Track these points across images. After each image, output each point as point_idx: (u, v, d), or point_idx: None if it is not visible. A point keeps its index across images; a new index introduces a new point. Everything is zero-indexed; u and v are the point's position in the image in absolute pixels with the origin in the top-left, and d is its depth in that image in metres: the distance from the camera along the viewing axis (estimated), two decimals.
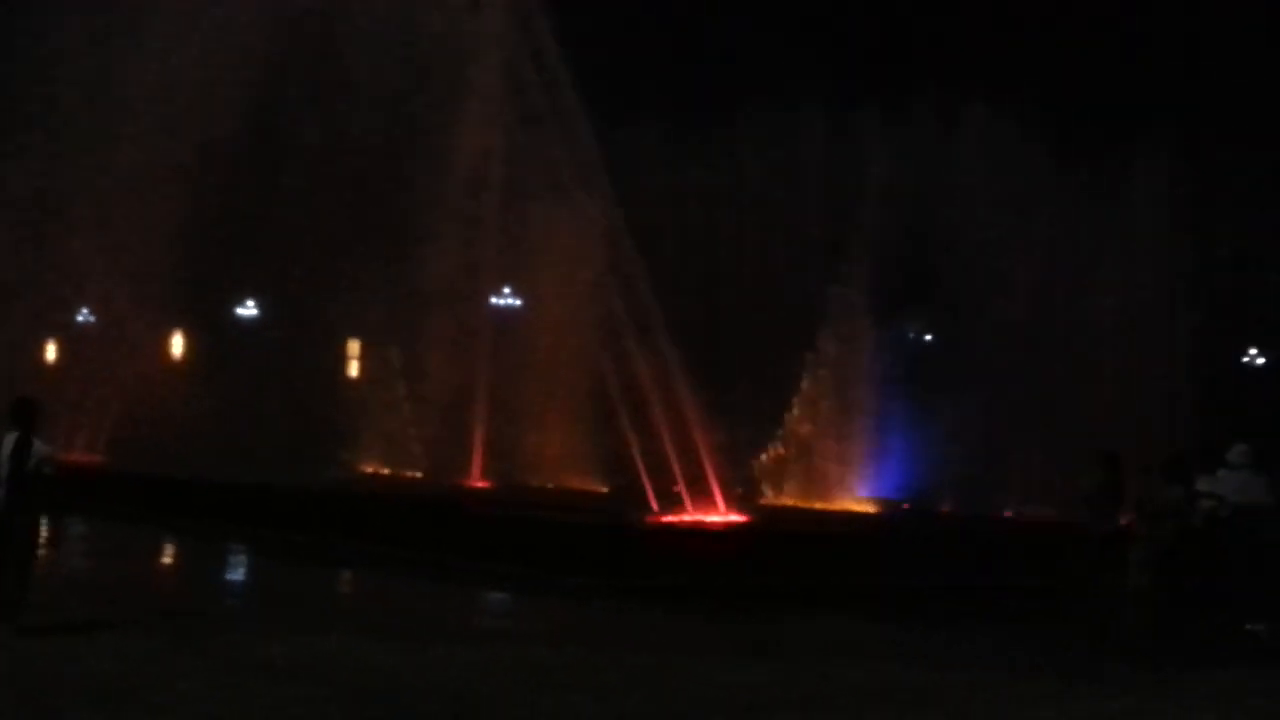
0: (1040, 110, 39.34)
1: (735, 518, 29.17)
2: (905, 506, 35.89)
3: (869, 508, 35.03)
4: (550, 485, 34.75)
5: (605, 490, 33.37)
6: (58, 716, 11.81)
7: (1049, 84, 43.11)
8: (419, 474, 36.30)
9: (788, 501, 35.90)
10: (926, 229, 39.73)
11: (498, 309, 37.28)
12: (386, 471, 37.13)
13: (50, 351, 43.22)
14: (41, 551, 16.35)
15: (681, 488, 29.28)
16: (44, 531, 16.65)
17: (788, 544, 26.00)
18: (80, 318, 41.53)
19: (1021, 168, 39.04)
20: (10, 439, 15.36)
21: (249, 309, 56.58)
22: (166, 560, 26.66)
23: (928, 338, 43.82)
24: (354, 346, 45.83)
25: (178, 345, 45.49)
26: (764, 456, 38.41)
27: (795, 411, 38.69)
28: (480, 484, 33.79)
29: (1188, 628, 18.41)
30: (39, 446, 15.54)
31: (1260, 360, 53.60)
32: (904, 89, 41.16)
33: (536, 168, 32.25)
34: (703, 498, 29.38)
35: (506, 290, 37.61)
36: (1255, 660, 17.53)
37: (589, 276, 32.07)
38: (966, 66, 45.37)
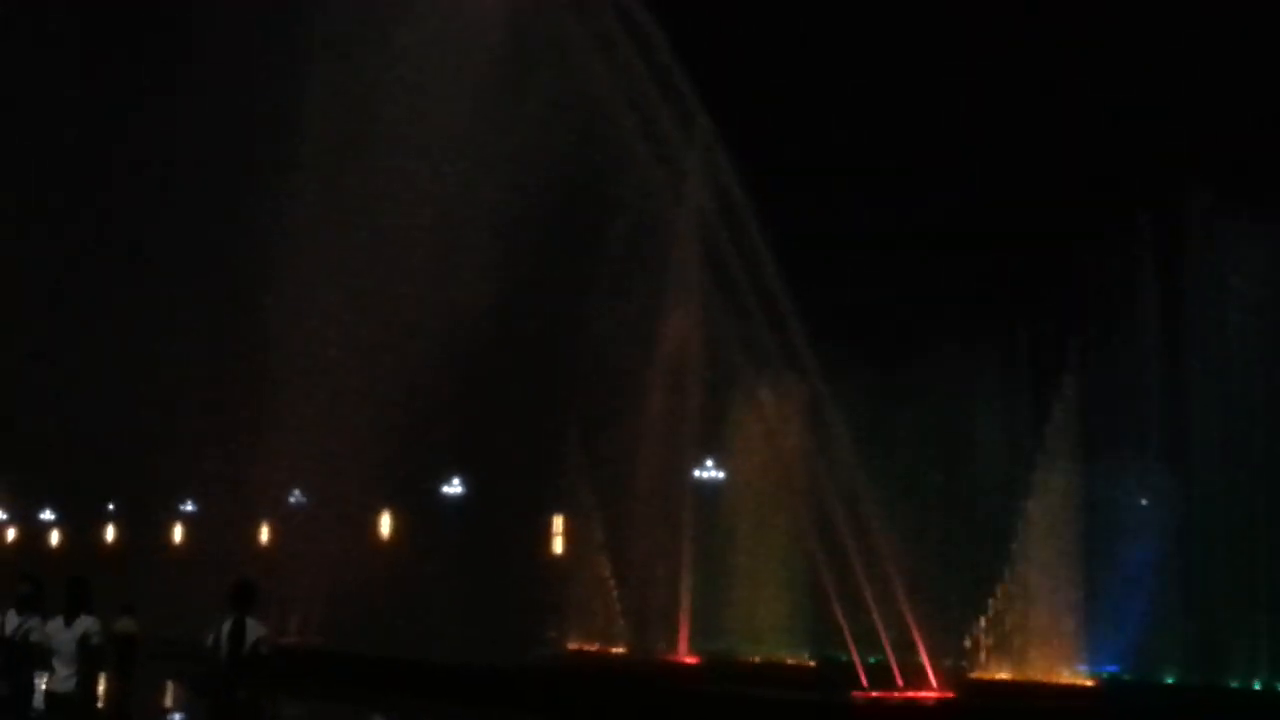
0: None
1: (946, 694, 28.52)
2: (1125, 678, 34.60)
3: (1087, 681, 33.81)
4: (757, 659, 34.39)
5: (813, 664, 32.86)
6: None
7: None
8: (624, 649, 36.20)
9: (1002, 676, 34.85)
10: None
11: (700, 481, 37.26)
12: (593, 648, 37.12)
13: (264, 533, 44.25)
14: None
15: (891, 662, 28.79)
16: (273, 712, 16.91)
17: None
18: (293, 499, 42.47)
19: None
20: (228, 623, 15.68)
21: (454, 487, 57.68)
22: None
23: (1143, 502, 42.41)
24: (558, 522, 46.25)
25: (386, 525, 46.30)
26: (977, 627, 37.44)
27: (1007, 578, 37.79)
28: (688, 659, 33.50)
29: None
30: (255, 627, 15.84)
31: None
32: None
33: (738, 344, 32.43)
34: (913, 671, 28.82)
35: (709, 463, 37.62)
36: None
37: (794, 446, 32.04)
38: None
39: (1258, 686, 32.82)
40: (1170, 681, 34.12)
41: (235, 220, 37.16)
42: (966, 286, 42.89)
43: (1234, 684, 33.54)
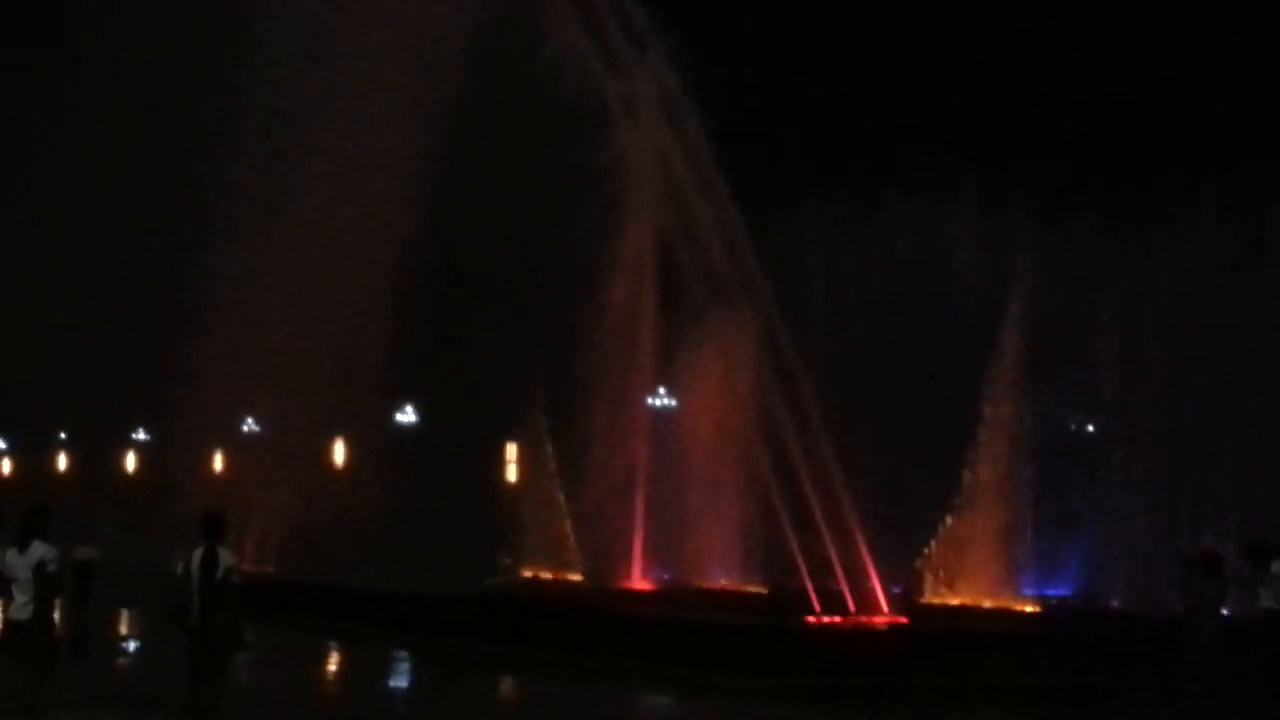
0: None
1: (896, 619, 28.87)
2: (1071, 603, 35.05)
3: (1033, 606, 34.24)
4: (710, 586, 34.57)
5: (766, 591, 33.10)
6: None
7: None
8: (579, 577, 36.40)
9: (951, 601, 35.29)
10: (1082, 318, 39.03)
11: (654, 409, 37.35)
12: (547, 575, 37.33)
13: (217, 461, 44.16)
14: (242, 655, 16.63)
15: (843, 588, 29.06)
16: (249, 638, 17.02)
17: (948, 645, 25.51)
18: (245, 428, 42.39)
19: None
20: (199, 552, 15.87)
21: (407, 415, 57.63)
22: (333, 668, 27.10)
23: (1090, 428, 42.88)
24: (511, 450, 46.32)
25: (339, 452, 46.25)
26: (925, 553, 37.86)
27: (956, 506, 38.19)
28: (641, 586, 33.79)
29: None
30: (226, 555, 16.07)
31: None
32: (1058, 186, 40.69)
33: (694, 273, 32.48)
34: (865, 597, 29.14)
35: (663, 391, 37.72)
36: None
37: (748, 376, 32.15)
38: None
39: None
40: (1115, 605, 34.66)
41: (185, 144, 36.67)
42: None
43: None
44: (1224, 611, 18.10)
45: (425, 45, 32.26)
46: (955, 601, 35.31)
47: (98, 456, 78.48)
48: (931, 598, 35.23)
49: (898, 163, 44.08)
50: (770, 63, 55.20)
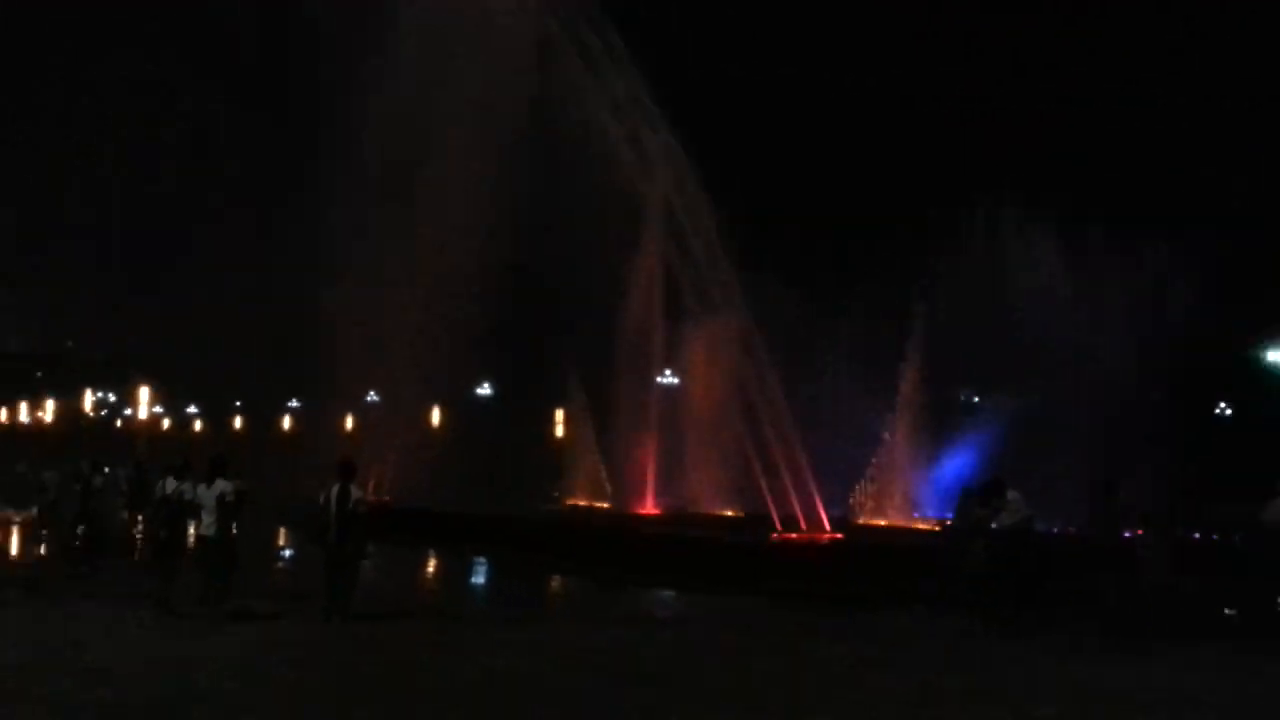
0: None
1: (836, 535, 28.88)
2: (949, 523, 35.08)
3: (929, 525, 34.20)
4: (702, 512, 34.68)
5: (742, 514, 33.19)
6: (366, 676, 12.39)
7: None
8: (608, 504, 36.48)
9: (876, 521, 35.38)
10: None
11: (661, 385, 37.38)
12: (584, 503, 37.41)
13: (349, 422, 44.29)
14: (366, 563, 16.85)
15: (798, 513, 29.10)
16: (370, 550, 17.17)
17: (871, 555, 25.67)
18: (369, 398, 42.50)
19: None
20: (335, 488, 16.03)
21: (484, 389, 57.78)
22: (430, 570, 27.17)
23: (976, 399, 42.90)
24: (560, 414, 46.38)
25: (435, 417, 46.38)
26: (856, 489, 37.97)
27: (878, 455, 38.29)
28: (652, 511, 33.84)
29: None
30: (355, 494, 16.22)
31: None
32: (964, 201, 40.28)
33: (691, 289, 32.49)
34: (812, 519, 29.19)
35: (668, 372, 37.74)
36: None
37: (730, 361, 32.22)
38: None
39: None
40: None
41: (334, 191, 35.66)
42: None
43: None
44: (994, 526, 17.86)
45: (501, 126, 32.04)
46: (878, 522, 35.44)
47: (262, 418, 78.98)
48: (862, 520, 35.36)
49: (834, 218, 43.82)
50: (760, 154, 53.59)
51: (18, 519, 31.53)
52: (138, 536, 24.18)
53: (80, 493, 24.43)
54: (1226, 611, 21.09)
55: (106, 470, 25.08)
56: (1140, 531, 21.12)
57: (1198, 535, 32.06)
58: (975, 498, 18.62)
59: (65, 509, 26.45)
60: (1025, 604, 17.25)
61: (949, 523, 23.71)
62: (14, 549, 27.59)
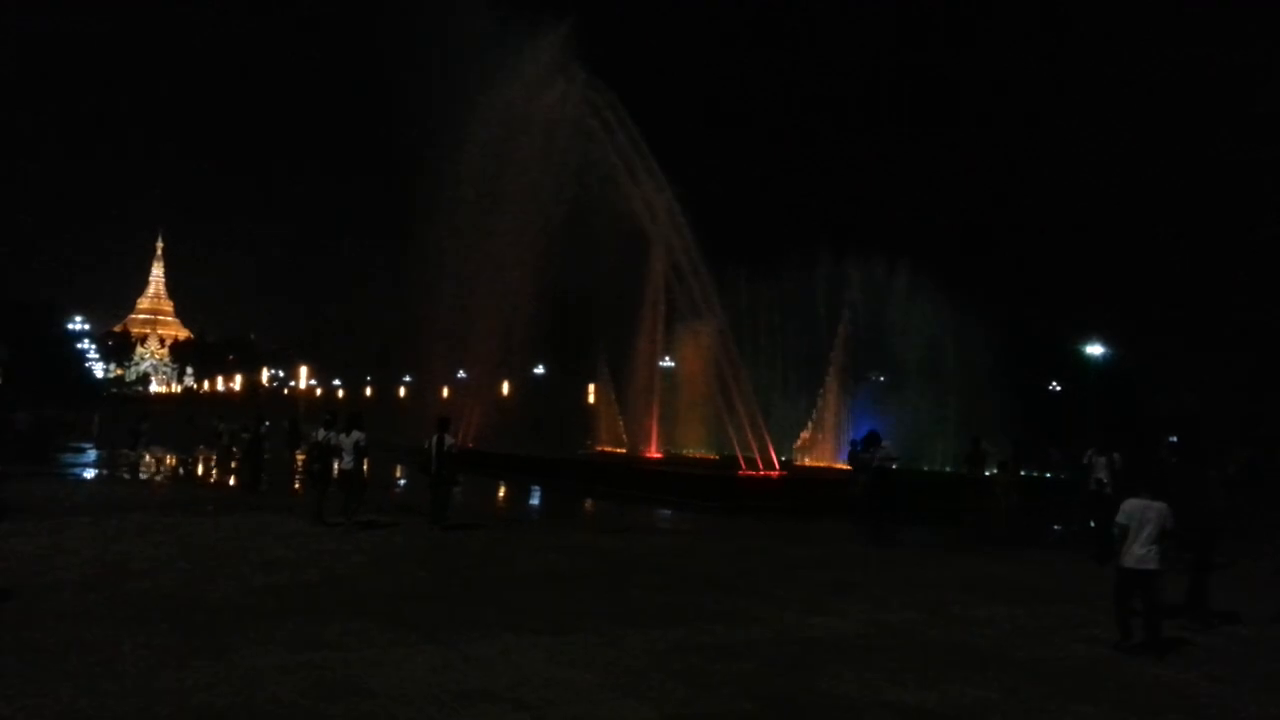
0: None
1: (783, 473, 28.88)
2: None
3: (845, 466, 33.93)
4: (690, 454, 34.66)
5: (718, 457, 33.19)
6: (457, 564, 12.39)
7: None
8: (624, 450, 36.49)
9: (811, 464, 35.32)
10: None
11: (662, 368, 37.28)
12: (607, 449, 37.44)
13: (444, 392, 44.16)
14: (457, 489, 16.91)
15: (756, 457, 29.08)
16: (460, 479, 17.23)
17: (806, 486, 25.68)
18: (458, 375, 42.37)
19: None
20: (435, 437, 16.19)
21: (539, 369, 57.51)
22: (501, 494, 27.07)
23: (882, 379, 42.70)
24: (591, 388, 46.34)
25: (505, 389, 46.32)
26: (798, 441, 37.92)
27: (813, 416, 38.24)
28: (655, 455, 33.85)
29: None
30: (449, 440, 16.34)
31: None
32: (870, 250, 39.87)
33: (683, 300, 32.29)
34: (767, 461, 29.17)
35: (666, 358, 37.68)
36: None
37: (709, 351, 32.13)
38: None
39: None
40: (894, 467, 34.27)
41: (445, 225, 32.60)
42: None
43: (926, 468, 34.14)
44: (874, 465, 17.70)
45: (542, 184, 31.61)
46: (812, 464, 35.40)
47: (386, 387, 79.03)
48: (802, 462, 35.29)
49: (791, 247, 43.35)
50: (734, 200, 52.40)
51: (211, 455, 33.08)
52: (295, 469, 24.45)
53: (249, 439, 25.14)
54: (1054, 528, 21.14)
55: (266, 424, 25.25)
56: (996, 471, 21.19)
57: (1036, 474, 32.07)
58: (859, 445, 18.72)
59: (239, 450, 27.37)
60: (891, 518, 17.30)
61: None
62: (211, 476, 27.78)
